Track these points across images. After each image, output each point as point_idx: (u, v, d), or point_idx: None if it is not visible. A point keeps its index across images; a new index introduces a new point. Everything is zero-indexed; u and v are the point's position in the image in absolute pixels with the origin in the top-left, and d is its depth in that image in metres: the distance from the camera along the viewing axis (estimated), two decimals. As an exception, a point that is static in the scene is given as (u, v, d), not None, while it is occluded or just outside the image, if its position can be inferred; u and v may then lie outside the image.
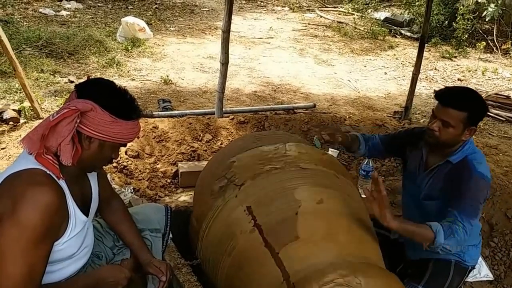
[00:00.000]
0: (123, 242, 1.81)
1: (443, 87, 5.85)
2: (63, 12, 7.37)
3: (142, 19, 6.88)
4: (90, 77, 2.15)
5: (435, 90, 5.61)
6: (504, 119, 4.94)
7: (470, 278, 2.37)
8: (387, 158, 3.46)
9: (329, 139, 2.18)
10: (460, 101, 1.85)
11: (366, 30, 8.59)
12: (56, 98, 4.05)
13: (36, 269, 1.31)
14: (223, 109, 3.82)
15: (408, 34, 8.67)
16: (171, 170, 3.05)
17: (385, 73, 6.49)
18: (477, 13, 7.98)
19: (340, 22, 9.30)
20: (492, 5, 7.47)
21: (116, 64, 5.20)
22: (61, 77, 4.65)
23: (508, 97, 5.39)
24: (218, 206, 1.82)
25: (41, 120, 1.49)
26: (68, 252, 1.47)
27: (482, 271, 2.43)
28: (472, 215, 1.80)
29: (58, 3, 7.95)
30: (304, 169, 1.85)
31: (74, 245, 1.49)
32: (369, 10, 9.52)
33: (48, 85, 4.36)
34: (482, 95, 5.19)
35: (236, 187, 1.82)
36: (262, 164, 1.87)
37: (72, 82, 4.55)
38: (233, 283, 1.69)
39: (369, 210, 1.74)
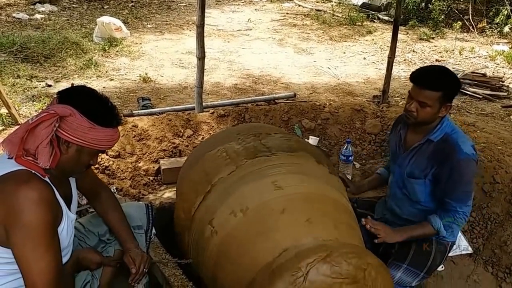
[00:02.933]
0: (111, 232, 1.86)
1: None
2: (37, 16, 7.26)
3: (118, 18, 6.81)
4: (73, 84, 2.18)
5: (413, 72, 5.71)
6: (481, 96, 5.03)
7: (450, 253, 2.44)
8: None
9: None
10: (434, 82, 1.93)
11: (344, 17, 8.62)
12: (34, 103, 4.01)
13: (59, 258, 1.41)
14: (203, 103, 3.82)
15: (386, 18, 8.72)
16: (153, 167, 3.05)
17: (364, 58, 6.54)
18: (452, -7, 8.08)
19: (318, 10, 9.31)
20: (466, -15, 7.57)
21: (94, 65, 5.15)
22: (38, 81, 4.60)
23: (484, 75, 5.48)
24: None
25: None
26: (61, 244, 1.51)
27: (461, 245, 2.50)
28: (467, 199, 1.98)
29: (32, 6, 7.82)
30: (288, 156, 1.91)
31: (65, 237, 1.54)
32: (346, -4, 9.56)
33: (25, 91, 4.31)
34: (459, 74, 5.30)
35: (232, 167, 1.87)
36: (248, 152, 1.92)
37: (50, 86, 4.50)
38: (221, 261, 1.73)
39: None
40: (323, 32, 7.83)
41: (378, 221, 2.00)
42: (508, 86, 5.37)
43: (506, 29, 7.70)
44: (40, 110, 1.47)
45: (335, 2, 9.56)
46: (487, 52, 6.84)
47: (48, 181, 1.44)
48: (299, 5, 9.92)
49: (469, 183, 1.97)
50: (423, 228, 2.00)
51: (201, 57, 3.56)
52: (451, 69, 5.69)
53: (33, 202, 1.31)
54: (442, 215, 1.97)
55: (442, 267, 2.45)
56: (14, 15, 7.17)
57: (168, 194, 2.82)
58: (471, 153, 1.95)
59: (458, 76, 5.28)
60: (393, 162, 2.24)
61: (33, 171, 1.38)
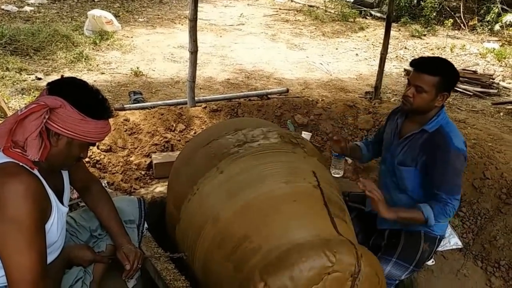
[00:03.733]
0: (102, 227, 1.84)
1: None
2: (27, 8, 7.15)
3: (110, 12, 6.74)
4: (63, 76, 2.16)
5: (405, 69, 5.76)
6: (471, 93, 5.08)
7: (440, 248, 2.46)
8: None
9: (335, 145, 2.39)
10: (432, 66, 1.97)
11: (336, 13, 8.64)
12: (24, 96, 3.96)
13: (44, 253, 1.36)
14: (196, 98, 3.80)
15: (378, 15, 8.75)
16: (145, 162, 3.03)
17: (356, 54, 6.56)
18: (444, -10, 8.13)
19: (310, 6, 9.31)
20: (458, -18, 7.61)
21: (85, 59, 5.09)
22: (27, 74, 4.54)
23: (475, 72, 5.53)
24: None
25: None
26: (51, 239, 1.49)
27: (451, 240, 2.53)
28: (457, 191, 1.99)
29: (21, -2, 7.71)
30: (280, 153, 1.91)
31: (56, 231, 1.51)
32: (339, -8, 9.56)
33: (15, 83, 4.25)
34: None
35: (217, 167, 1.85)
36: (240, 146, 1.92)
37: (39, 79, 4.44)
38: (212, 256, 1.73)
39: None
40: (315, 28, 7.84)
41: (378, 189, 1.93)
42: (498, 84, 5.43)
43: (497, 27, 7.77)
44: (28, 104, 1.44)
45: (327, -2, 9.57)
46: (478, 50, 6.90)
47: (37, 173, 1.40)
48: (292, 1, 9.91)
49: (457, 175, 1.98)
50: (413, 213, 1.99)
51: (194, 51, 3.54)
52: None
53: (19, 196, 1.28)
54: (432, 205, 1.97)
55: (432, 262, 2.47)
56: (3, 7, 7.06)
57: (160, 188, 2.80)
58: (461, 148, 1.97)
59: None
60: (386, 151, 2.25)
61: (21, 164, 1.35)
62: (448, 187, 1.96)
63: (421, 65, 1.99)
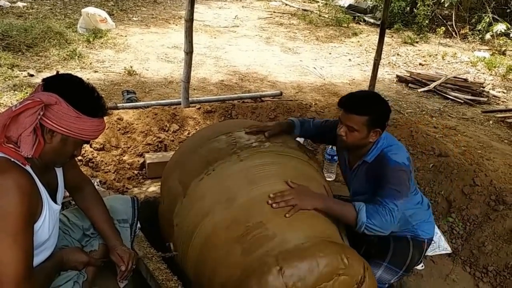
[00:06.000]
0: (94, 228, 1.82)
1: (405, 71, 6.05)
2: (20, 4, 7.09)
3: (104, 10, 6.72)
4: (59, 72, 2.14)
5: (397, 75, 5.82)
6: (462, 101, 5.15)
7: (430, 252, 2.49)
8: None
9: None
10: (360, 107, 1.92)
11: (330, 18, 8.70)
12: (16, 92, 3.92)
13: (30, 252, 1.33)
14: (190, 99, 3.80)
15: (372, 21, 8.84)
16: (138, 161, 3.02)
17: (350, 59, 6.61)
18: (437, -1, 8.24)
19: (305, 10, 9.37)
20: (451, -9, 7.72)
21: (78, 56, 5.06)
22: (19, 70, 4.50)
23: (466, 80, 5.61)
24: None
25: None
26: (41, 237, 1.47)
27: (441, 245, 2.55)
28: (395, 196, 1.87)
29: (14, -6, 7.64)
30: (276, 154, 1.93)
31: (47, 229, 1.49)
32: (333, -2, 9.65)
33: (6, 79, 4.21)
34: (442, 79, 5.41)
35: (210, 167, 1.85)
36: (234, 147, 1.92)
37: (32, 75, 4.41)
38: (203, 258, 1.72)
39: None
40: (309, 32, 7.88)
41: (290, 189, 1.78)
42: (488, 92, 5.51)
43: (488, 36, 7.90)
44: (22, 100, 1.42)
45: (321, 3, 9.64)
46: (469, 58, 7.00)
47: (30, 170, 1.39)
48: (286, 4, 9.96)
49: (397, 184, 1.91)
50: (346, 205, 1.89)
51: (189, 51, 3.54)
52: (433, 73, 5.83)
53: (8, 191, 1.26)
54: (367, 203, 1.89)
55: (422, 266, 2.50)
56: (-5, 1, 6.99)
57: (153, 188, 2.80)
58: (401, 162, 1.95)
59: (440, 80, 5.39)
60: (345, 180, 2.30)
61: (12, 159, 1.33)
62: (386, 191, 1.90)
63: (349, 105, 1.94)
